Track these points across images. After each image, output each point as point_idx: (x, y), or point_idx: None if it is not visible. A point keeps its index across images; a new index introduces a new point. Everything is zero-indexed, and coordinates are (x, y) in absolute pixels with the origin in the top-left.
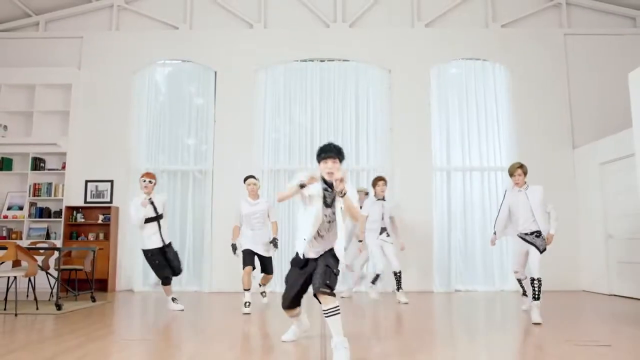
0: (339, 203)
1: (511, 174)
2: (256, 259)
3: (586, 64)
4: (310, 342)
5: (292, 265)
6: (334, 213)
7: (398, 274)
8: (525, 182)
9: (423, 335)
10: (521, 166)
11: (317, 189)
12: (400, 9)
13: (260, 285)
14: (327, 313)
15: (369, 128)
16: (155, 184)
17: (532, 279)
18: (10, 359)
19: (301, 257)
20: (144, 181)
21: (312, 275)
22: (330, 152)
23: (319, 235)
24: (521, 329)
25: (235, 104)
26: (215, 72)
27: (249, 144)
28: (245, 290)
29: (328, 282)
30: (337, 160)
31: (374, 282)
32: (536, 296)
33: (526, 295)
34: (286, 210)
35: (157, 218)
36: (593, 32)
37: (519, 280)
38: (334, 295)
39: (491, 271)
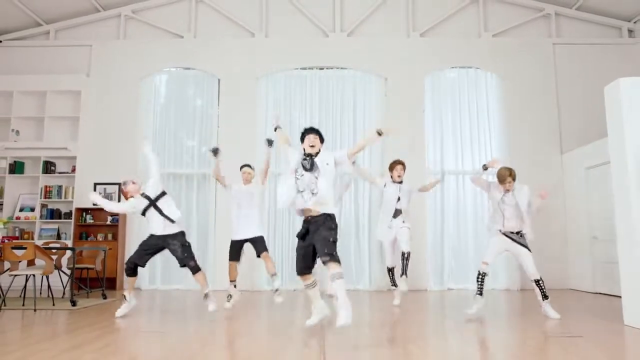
0: (324, 161)
1: (502, 182)
2: (246, 248)
3: (574, 72)
4: (310, 341)
5: (297, 238)
6: (316, 177)
7: (406, 256)
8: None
9: (415, 328)
10: (510, 173)
11: (296, 158)
12: (396, 19)
13: (272, 277)
14: (331, 277)
15: (365, 133)
16: (135, 186)
17: (536, 281)
18: (36, 349)
19: (286, 206)
20: (132, 183)
21: (313, 242)
22: (312, 130)
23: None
24: (505, 324)
25: (237, 109)
26: (219, 79)
27: (251, 148)
28: (231, 282)
29: (326, 250)
30: (317, 137)
31: (392, 282)
32: (544, 295)
33: (481, 295)
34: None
35: (152, 203)
36: (580, 41)
37: (484, 275)
38: (336, 260)
39: None
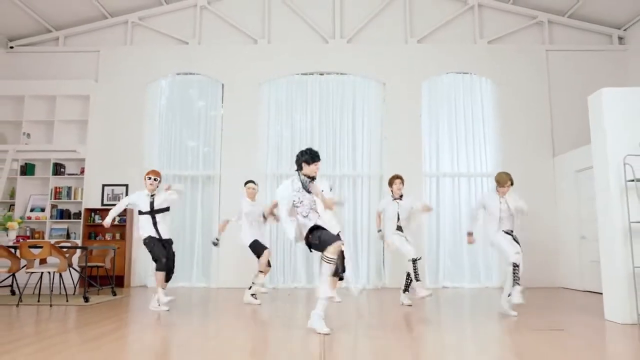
0: (320, 186)
1: (501, 185)
2: (247, 251)
3: (566, 78)
4: (310, 341)
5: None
6: (314, 200)
7: (415, 261)
8: None
9: (410, 323)
10: (511, 179)
11: (289, 192)
12: (395, 26)
13: (258, 282)
14: (324, 258)
15: (364, 137)
16: (159, 181)
17: (515, 265)
18: (62, 339)
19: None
20: (149, 179)
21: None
22: (319, 158)
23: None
24: (494, 319)
25: (240, 113)
26: (223, 84)
27: (253, 151)
28: (260, 272)
29: (316, 243)
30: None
31: (416, 276)
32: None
33: (518, 284)
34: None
35: (152, 213)
36: (573, 48)
37: (517, 266)
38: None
39: (477, 269)
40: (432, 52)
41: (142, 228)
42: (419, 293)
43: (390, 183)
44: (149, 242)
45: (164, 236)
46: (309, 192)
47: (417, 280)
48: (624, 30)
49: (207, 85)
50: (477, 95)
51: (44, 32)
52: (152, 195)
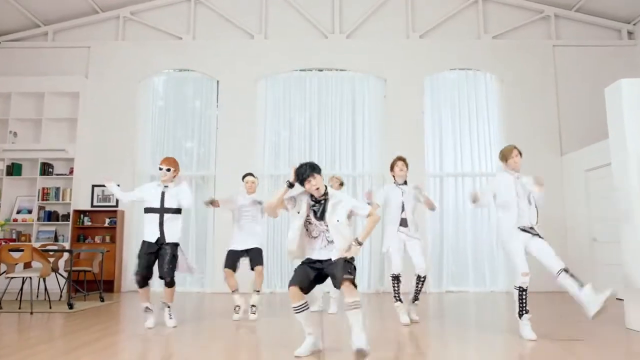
0: (334, 216)
1: (506, 158)
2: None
3: (574, 74)
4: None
5: (302, 263)
6: (327, 226)
7: (422, 280)
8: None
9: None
10: (516, 147)
11: (304, 204)
12: (396, 21)
13: (254, 292)
14: (349, 306)
15: (364, 135)
16: (176, 171)
17: (565, 270)
18: (32, 353)
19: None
20: (160, 169)
21: (329, 273)
22: (307, 172)
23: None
24: (506, 327)
25: (236, 111)
26: (218, 81)
27: (250, 150)
28: (232, 292)
29: (350, 270)
30: (317, 175)
31: (397, 295)
32: (579, 282)
33: (527, 312)
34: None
35: (161, 211)
36: (580, 43)
37: (525, 291)
38: (355, 285)
39: (482, 273)
40: (434, 47)
41: (145, 229)
42: (402, 318)
43: (392, 166)
44: (140, 250)
45: (169, 239)
46: (317, 218)
47: (415, 300)
48: (634, 24)
49: (202, 82)
50: (481, 93)
51: (32, 26)
52: (165, 187)
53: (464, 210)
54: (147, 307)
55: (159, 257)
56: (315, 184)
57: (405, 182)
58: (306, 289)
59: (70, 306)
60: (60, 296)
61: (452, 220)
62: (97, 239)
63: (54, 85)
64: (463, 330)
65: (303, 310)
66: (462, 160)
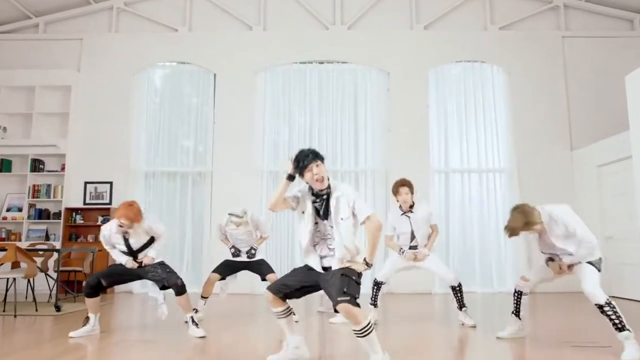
0: (339, 213)
1: (524, 231)
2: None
3: (584, 66)
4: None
5: (304, 265)
6: (331, 226)
7: (458, 288)
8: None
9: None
10: (527, 218)
11: (309, 202)
12: (399, 11)
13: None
14: (358, 334)
15: (367, 130)
16: (132, 224)
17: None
18: (15, 359)
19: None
20: (117, 220)
21: (323, 289)
22: (310, 157)
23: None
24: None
25: (234, 105)
26: (215, 74)
27: (248, 146)
28: (202, 297)
29: (345, 289)
30: (320, 163)
31: (374, 300)
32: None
33: (518, 317)
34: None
35: (132, 254)
36: (590, 34)
37: (520, 294)
38: (358, 305)
39: (489, 273)
40: (439, 39)
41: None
42: (467, 321)
43: (395, 192)
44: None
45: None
46: (320, 217)
47: (461, 308)
48: None
49: (198, 75)
50: (488, 85)
51: (23, 18)
52: (125, 236)
53: (470, 208)
54: (87, 317)
55: (146, 274)
56: (318, 172)
57: (412, 207)
58: (285, 297)
59: (58, 308)
60: (50, 298)
61: (459, 219)
62: (90, 238)
63: (45, 78)
64: (473, 334)
65: (284, 317)
66: (468, 156)
